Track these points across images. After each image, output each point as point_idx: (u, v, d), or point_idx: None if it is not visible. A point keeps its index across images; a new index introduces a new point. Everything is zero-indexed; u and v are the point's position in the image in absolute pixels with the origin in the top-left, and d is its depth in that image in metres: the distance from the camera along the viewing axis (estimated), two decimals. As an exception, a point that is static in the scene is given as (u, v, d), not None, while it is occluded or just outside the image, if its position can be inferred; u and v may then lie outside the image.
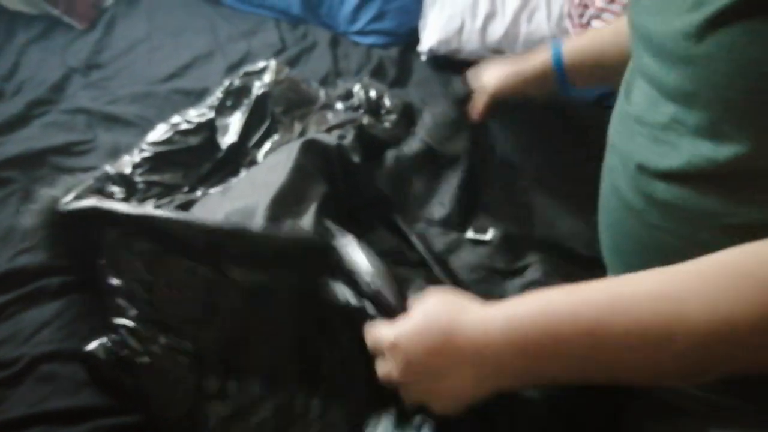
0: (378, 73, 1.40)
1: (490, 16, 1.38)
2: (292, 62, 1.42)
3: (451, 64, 1.40)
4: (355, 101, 1.13)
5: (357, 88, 1.18)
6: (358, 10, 1.49)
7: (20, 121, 1.19)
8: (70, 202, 0.81)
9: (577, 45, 0.98)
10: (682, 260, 0.47)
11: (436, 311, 0.54)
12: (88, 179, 0.93)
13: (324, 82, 1.37)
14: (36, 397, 0.76)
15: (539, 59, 1.00)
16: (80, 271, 0.86)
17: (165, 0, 1.63)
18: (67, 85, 1.31)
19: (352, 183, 0.91)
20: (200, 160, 0.94)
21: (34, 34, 1.47)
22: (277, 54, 1.44)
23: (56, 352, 0.81)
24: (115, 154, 1.13)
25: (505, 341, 0.49)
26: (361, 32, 1.50)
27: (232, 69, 1.38)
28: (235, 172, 0.98)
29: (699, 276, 0.46)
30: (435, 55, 1.42)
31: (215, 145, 0.96)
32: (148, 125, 1.20)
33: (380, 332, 0.57)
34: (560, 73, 0.98)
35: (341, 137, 0.96)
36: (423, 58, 1.45)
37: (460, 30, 1.39)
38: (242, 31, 1.52)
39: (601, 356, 0.47)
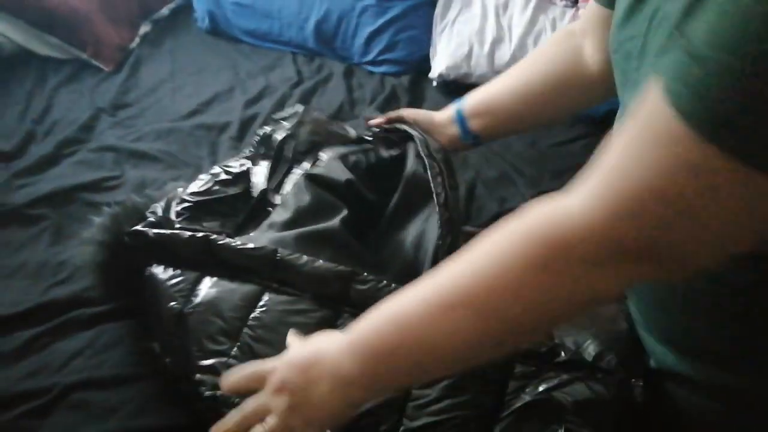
0: (391, 101, 1.44)
1: (497, 41, 1.42)
2: (309, 94, 1.47)
3: (462, 89, 1.42)
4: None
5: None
6: (370, 42, 1.54)
7: (51, 160, 1.25)
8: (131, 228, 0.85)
9: (476, 95, 0.93)
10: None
11: (312, 341, 0.61)
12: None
13: (340, 110, 1.42)
14: (67, 425, 0.80)
15: (451, 107, 0.96)
16: (121, 298, 0.91)
17: (188, 41, 1.70)
18: (96, 125, 1.38)
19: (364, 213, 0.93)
20: (237, 210, 0.96)
21: (63, 77, 1.54)
22: (294, 87, 1.49)
23: (87, 380, 0.85)
24: (142, 188, 1.19)
25: (351, 357, 0.56)
26: (374, 62, 1.55)
27: (251, 103, 1.44)
28: (266, 218, 1.01)
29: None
30: (445, 81, 1.46)
31: (250, 194, 1.00)
32: (173, 160, 1.26)
33: (263, 365, 0.62)
34: (461, 122, 0.93)
35: (355, 166, 0.98)
36: (434, 84, 1.49)
37: (469, 55, 1.43)
38: (261, 66, 1.58)
39: (418, 351, 0.53)
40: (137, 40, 1.70)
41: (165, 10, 1.80)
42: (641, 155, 0.42)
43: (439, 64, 1.45)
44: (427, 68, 1.50)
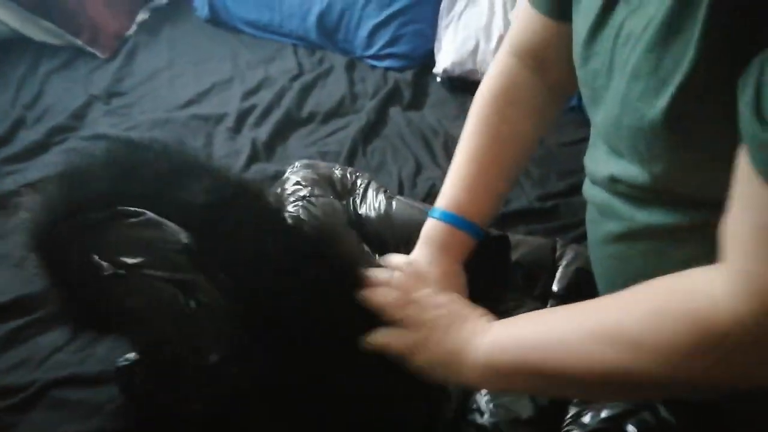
0: (394, 96, 1.41)
1: (505, 37, 1.37)
2: (309, 87, 1.43)
3: (467, 85, 1.40)
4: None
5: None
6: (373, 35, 1.50)
7: (40, 147, 1.22)
8: None
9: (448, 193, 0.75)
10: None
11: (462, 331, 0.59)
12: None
13: (341, 104, 1.39)
14: (47, 423, 0.77)
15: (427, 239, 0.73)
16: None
17: (186, 30, 1.66)
18: (88, 113, 1.34)
19: None
20: None
21: (57, 63, 1.50)
22: (293, 79, 1.46)
23: (69, 377, 0.82)
24: (132, 179, 1.15)
25: (485, 377, 0.57)
26: (377, 56, 1.51)
27: (249, 95, 1.40)
28: None
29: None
30: (450, 77, 1.42)
31: None
32: (166, 151, 1.22)
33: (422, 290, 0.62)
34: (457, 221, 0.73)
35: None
36: (438, 79, 1.45)
37: (475, 51, 1.39)
38: (261, 58, 1.54)
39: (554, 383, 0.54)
40: (134, 27, 1.66)
41: (163, -1, 1.76)
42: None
43: (444, 60, 1.41)
44: (432, 63, 1.47)
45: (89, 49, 1.55)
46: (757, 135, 0.38)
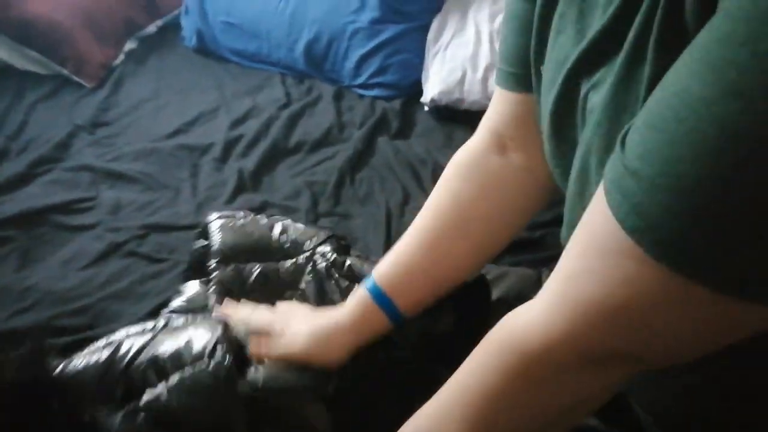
0: (381, 125, 1.40)
1: (491, 67, 1.38)
2: (297, 116, 1.42)
3: (454, 115, 1.40)
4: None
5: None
6: (361, 65, 1.51)
7: (22, 179, 1.20)
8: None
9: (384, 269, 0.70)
10: None
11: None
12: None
13: (328, 133, 1.38)
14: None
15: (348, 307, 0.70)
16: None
17: (174, 59, 1.66)
18: (73, 143, 1.32)
19: None
20: None
21: (43, 93, 1.49)
22: (282, 108, 1.45)
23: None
24: (116, 211, 1.13)
25: None
26: (365, 85, 1.51)
27: (235, 124, 1.39)
28: None
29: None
30: (437, 106, 1.42)
31: None
32: (152, 181, 1.21)
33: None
34: (384, 302, 0.69)
35: None
36: (426, 108, 1.45)
37: (462, 81, 1.39)
38: (248, 87, 1.54)
39: None
40: (122, 56, 1.65)
41: (152, 28, 1.76)
42: (591, 267, 0.40)
43: (432, 89, 1.41)
44: (419, 92, 1.47)
45: (75, 78, 1.54)
46: (618, 166, 0.37)
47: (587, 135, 0.47)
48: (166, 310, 0.83)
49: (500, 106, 0.67)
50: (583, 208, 0.48)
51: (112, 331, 0.87)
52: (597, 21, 0.45)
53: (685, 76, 0.33)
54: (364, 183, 1.24)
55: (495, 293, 0.81)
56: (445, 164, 0.73)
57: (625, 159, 0.36)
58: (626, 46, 0.41)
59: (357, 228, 1.12)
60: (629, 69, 0.41)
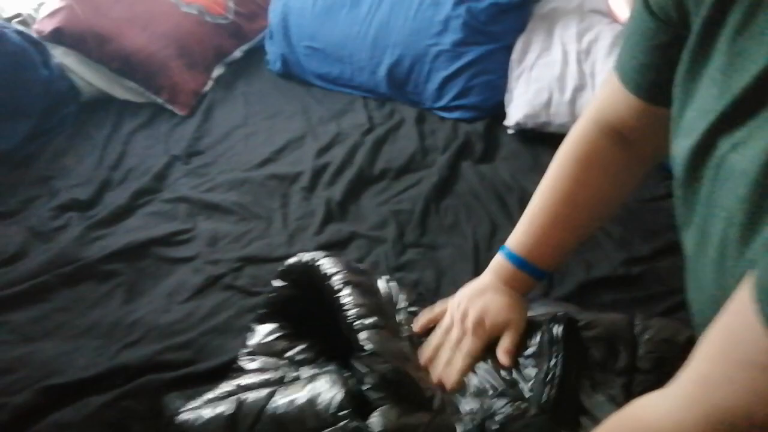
0: (465, 149, 1.40)
1: (579, 89, 1.35)
2: (381, 141, 1.44)
3: (540, 137, 1.38)
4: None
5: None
6: (443, 87, 1.50)
7: (125, 211, 1.26)
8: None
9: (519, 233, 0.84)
10: None
11: None
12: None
13: (412, 159, 1.38)
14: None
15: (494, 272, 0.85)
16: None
17: (260, 84, 1.71)
18: (169, 173, 1.38)
19: None
20: None
21: (139, 122, 1.57)
22: (365, 134, 1.46)
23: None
24: (213, 243, 1.18)
25: None
26: (447, 108, 1.51)
27: (322, 152, 1.41)
28: None
29: None
30: (522, 129, 1.40)
31: None
32: (245, 212, 1.25)
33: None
34: (523, 264, 0.83)
35: None
36: (510, 131, 1.43)
37: (548, 103, 1.36)
38: (333, 112, 1.56)
39: None
40: (210, 83, 1.71)
41: (238, 53, 1.81)
42: (731, 376, 0.40)
43: (517, 112, 1.39)
44: (502, 114, 1.45)
45: (169, 106, 1.61)
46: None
47: (727, 202, 0.45)
48: (243, 350, 0.88)
49: (616, 100, 0.69)
50: (720, 284, 0.47)
51: (214, 367, 0.92)
52: (747, 75, 0.43)
53: None
54: (450, 212, 1.24)
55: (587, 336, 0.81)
56: (532, 191, 0.83)
57: None
58: None
59: (444, 259, 1.12)
60: None
